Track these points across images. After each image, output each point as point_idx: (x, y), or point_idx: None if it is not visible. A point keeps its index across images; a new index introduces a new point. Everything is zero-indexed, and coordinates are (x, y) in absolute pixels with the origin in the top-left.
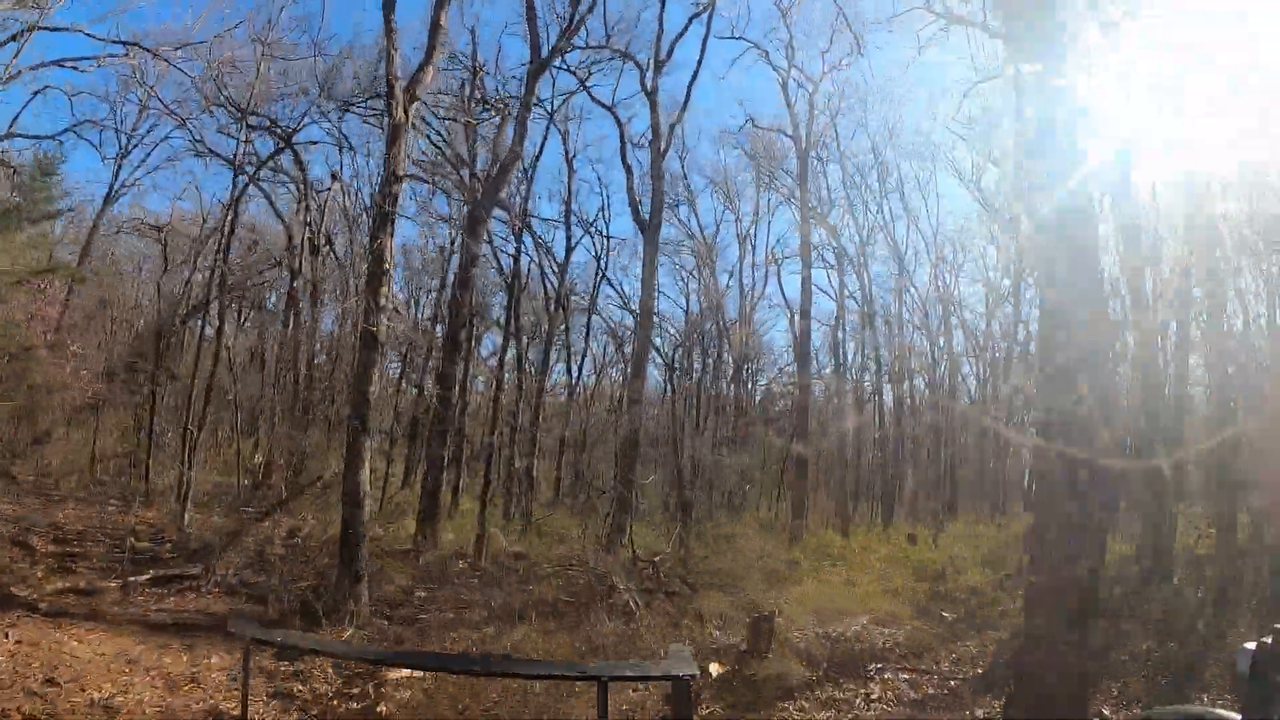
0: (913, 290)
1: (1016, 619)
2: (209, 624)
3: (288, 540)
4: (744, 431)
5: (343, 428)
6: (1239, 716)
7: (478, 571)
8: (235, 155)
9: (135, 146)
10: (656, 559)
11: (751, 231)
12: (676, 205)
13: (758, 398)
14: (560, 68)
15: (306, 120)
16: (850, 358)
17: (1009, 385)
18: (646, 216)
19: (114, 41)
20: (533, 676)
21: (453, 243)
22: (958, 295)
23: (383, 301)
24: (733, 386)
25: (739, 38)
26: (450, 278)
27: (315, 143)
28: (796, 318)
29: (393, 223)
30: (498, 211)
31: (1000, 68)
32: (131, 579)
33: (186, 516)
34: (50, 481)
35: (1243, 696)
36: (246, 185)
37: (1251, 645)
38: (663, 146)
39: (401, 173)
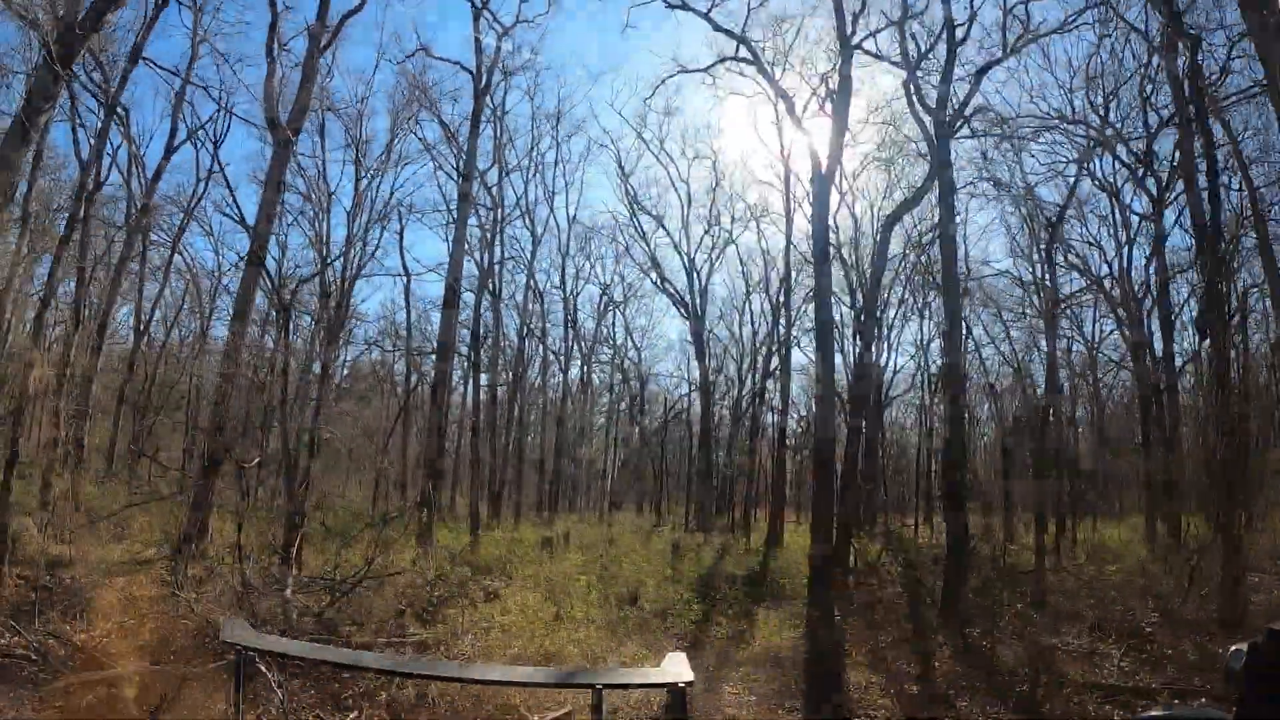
0: None
1: None
2: None
3: None
4: None
5: None
6: (1230, 718)
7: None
8: None
9: None
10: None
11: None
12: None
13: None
14: None
15: None
16: None
17: None
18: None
19: None
20: (524, 685)
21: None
22: None
23: None
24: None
25: None
26: None
27: None
28: None
29: None
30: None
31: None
32: None
33: None
34: None
35: (1235, 697)
36: None
37: (1244, 645)
38: (325, 42)
39: None
